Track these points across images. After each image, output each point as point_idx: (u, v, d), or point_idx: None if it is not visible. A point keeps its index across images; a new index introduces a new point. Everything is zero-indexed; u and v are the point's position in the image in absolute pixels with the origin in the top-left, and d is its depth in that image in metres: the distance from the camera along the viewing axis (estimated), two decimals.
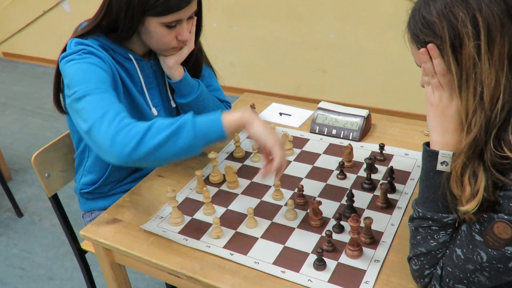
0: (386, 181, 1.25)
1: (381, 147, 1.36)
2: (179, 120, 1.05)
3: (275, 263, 1.06)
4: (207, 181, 1.34)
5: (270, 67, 3.38)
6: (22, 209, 2.59)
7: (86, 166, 1.44)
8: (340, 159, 1.37)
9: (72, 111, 1.18)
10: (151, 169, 1.43)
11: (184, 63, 1.38)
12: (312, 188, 1.27)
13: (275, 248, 1.10)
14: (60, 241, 2.36)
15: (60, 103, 1.34)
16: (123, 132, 1.04)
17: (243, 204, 1.24)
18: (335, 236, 1.11)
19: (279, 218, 1.19)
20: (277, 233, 1.14)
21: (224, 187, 1.31)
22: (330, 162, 1.38)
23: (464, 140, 0.83)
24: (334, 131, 1.49)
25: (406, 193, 1.23)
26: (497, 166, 0.81)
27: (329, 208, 1.19)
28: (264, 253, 1.09)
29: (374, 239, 1.09)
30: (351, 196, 1.16)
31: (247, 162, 1.41)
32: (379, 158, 1.36)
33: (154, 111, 1.39)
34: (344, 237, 1.10)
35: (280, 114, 1.65)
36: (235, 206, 1.24)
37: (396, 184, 1.25)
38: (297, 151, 1.44)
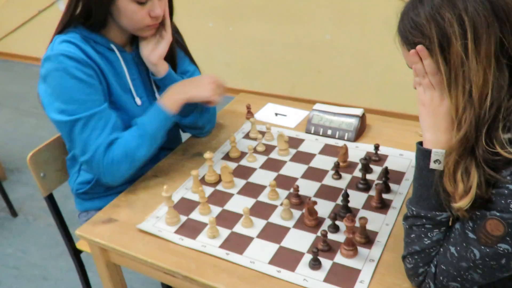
0: (381, 181, 1.26)
1: (376, 147, 1.37)
2: (138, 131, 1.31)
3: (270, 262, 1.06)
4: (202, 181, 1.35)
5: (265, 67, 3.38)
6: (16, 209, 2.58)
7: (81, 167, 1.45)
8: (335, 159, 1.38)
9: (61, 127, 1.27)
10: (145, 170, 1.44)
11: None
12: (308, 188, 1.28)
13: (271, 248, 1.10)
14: (55, 241, 2.35)
15: None
16: (115, 167, 1.29)
17: (238, 204, 1.25)
18: (330, 236, 1.11)
19: (274, 218, 1.19)
20: (273, 233, 1.15)
21: (219, 187, 1.32)
22: (325, 162, 1.38)
23: (455, 137, 0.85)
24: (329, 132, 1.50)
25: (401, 193, 1.24)
26: (489, 163, 0.82)
27: (324, 208, 1.20)
28: (260, 253, 1.09)
29: (369, 239, 1.09)
30: (346, 196, 1.17)
31: (243, 162, 1.41)
32: (374, 158, 1.37)
33: (138, 100, 1.40)
34: (339, 237, 1.11)
35: (276, 114, 1.66)
36: (230, 206, 1.25)
37: (391, 184, 1.25)
38: (292, 151, 1.44)
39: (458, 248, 0.87)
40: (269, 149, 1.46)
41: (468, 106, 0.83)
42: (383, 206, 1.19)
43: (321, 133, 1.51)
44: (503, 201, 0.80)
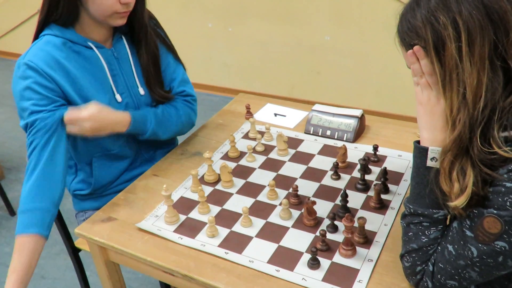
0: (379, 182, 1.26)
1: (375, 148, 1.37)
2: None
3: (269, 262, 1.07)
4: (202, 180, 1.35)
5: (264, 68, 3.39)
6: (14, 208, 2.57)
7: (78, 169, 1.46)
8: (334, 159, 1.38)
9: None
10: (142, 171, 1.44)
11: (130, 28, 1.38)
12: (307, 188, 1.28)
13: (270, 247, 1.11)
14: (53, 240, 2.34)
15: None
16: None
17: (238, 203, 1.25)
18: (329, 236, 1.12)
19: (273, 218, 1.19)
20: (272, 232, 1.15)
21: (219, 187, 1.32)
22: (324, 163, 1.39)
23: (449, 137, 0.86)
24: (328, 132, 1.50)
25: (399, 194, 1.24)
26: (485, 161, 0.83)
27: (323, 208, 1.20)
28: (259, 252, 1.10)
29: (367, 239, 1.10)
30: (345, 196, 1.17)
31: (242, 162, 1.42)
32: (372, 159, 1.37)
33: (118, 97, 1.38)
34: (338, 237, 1.12)
35: (275, 115, 1.66)
36: (230, 205, 1.25)
37: (389, 185, 1.26)
38: (291, 151, 1.45)
39: (456, 246, 0.87)
40: (268, 149, 1.46)
41: (462, 107, 0.84)
42: (381, 206, 1.20)
43: (320, 134, 1.51)
44: (500, 199, 0.80)
